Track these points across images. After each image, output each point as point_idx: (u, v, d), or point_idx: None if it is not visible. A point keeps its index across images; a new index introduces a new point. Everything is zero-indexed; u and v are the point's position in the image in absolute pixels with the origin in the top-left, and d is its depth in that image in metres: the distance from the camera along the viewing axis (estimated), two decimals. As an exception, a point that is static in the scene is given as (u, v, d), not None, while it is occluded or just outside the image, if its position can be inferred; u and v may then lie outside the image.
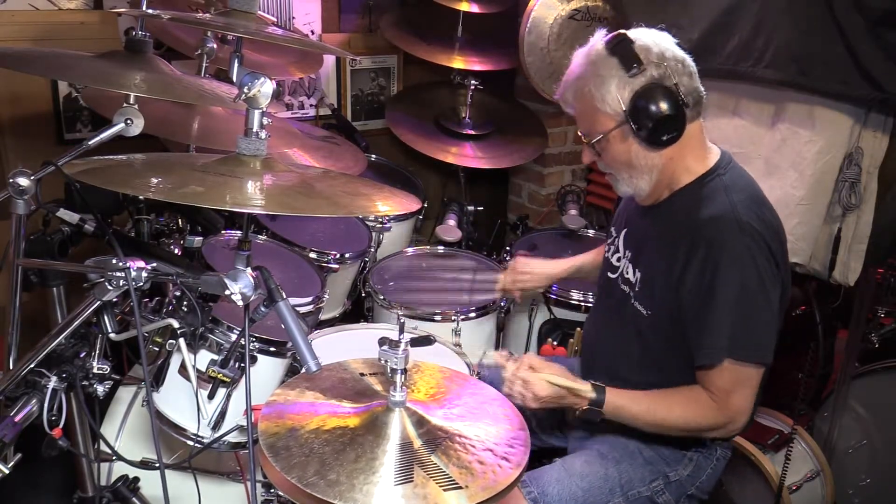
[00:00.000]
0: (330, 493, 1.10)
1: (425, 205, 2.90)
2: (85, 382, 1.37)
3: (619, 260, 1.81)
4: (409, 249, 2.71)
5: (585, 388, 1.63)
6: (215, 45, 2.08)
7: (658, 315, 1.66)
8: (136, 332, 1.32)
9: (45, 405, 1.29)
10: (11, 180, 1.33)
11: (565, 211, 2.96)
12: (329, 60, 3.05)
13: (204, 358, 1.59)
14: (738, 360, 1.55)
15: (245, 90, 1.16)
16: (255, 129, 1.20)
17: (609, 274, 1.84)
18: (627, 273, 1.76)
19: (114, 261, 1.23)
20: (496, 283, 2.21)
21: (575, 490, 1.65)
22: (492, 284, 2.23)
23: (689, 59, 1.61)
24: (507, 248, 2.75)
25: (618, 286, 1.79)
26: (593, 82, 1.59)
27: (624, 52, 1.57)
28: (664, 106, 1.54)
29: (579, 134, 1.71)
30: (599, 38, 1.63)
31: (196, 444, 1.64)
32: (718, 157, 1.67)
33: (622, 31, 1.61)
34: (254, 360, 1.69)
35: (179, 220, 2.15)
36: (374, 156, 3.08)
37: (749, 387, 1.58)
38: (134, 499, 1.74)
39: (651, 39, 1.59)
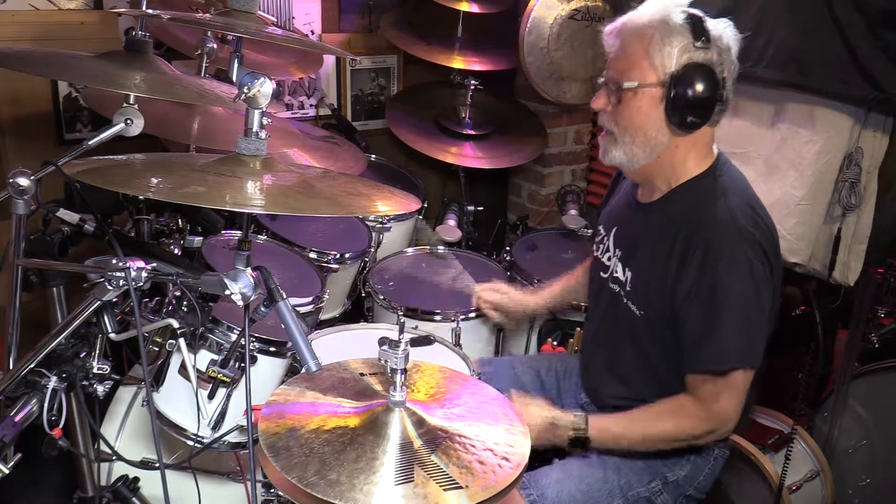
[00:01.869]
0: (330, 493, 1.09)
1: (425, 205, 2.90)
2: (85, 382, 1.37)
3: (609, 259, 1.80)
4: (409, 249, 2.71)
5: (568, 416, 1.65)
6: (215, 45, 2.08)
7: (651, 316, 1.66)
8: (136, 332, 1.32)
9: (45, 405, 1.29)
10: (11, 180, 1.33)
11: (565, 211, 2.96)
12: (329, 60, 3.05)
13: (204, 358, 1.59)
14: (733, 366, 1.55)
15: (245, 90, 1.16)
16: (255, 129, 1.19)
17: (601, 274, 1.83)
18: (617, 272, 1.75)
19: (114, 261, 1.23)
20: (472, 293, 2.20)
21: (574, 492, 1.65)
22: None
23: (738, 66, 1.60)
24: (507, 248, 2.75)
25: (608, 286, 1.79)
26: (660, 31, 1.54)
27: (698, 25, 1.55)
28: (707, 89, 1.53)
29: (601, 80, 1.65)
30: (679, 3, 1.59)
31: (196, 444, 1.64)
32: (715, 158, 1.66)
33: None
34: (254, 360, 1.68)
35: (179, 220, 2.15)
36: (374, 156, 3.08)
37: (738, 391, 1.58)
38: (134, 499, 1.74)
39: (724, 30, 1.58)
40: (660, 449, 1.66)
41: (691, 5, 1.60)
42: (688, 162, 1.64)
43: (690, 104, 1.54)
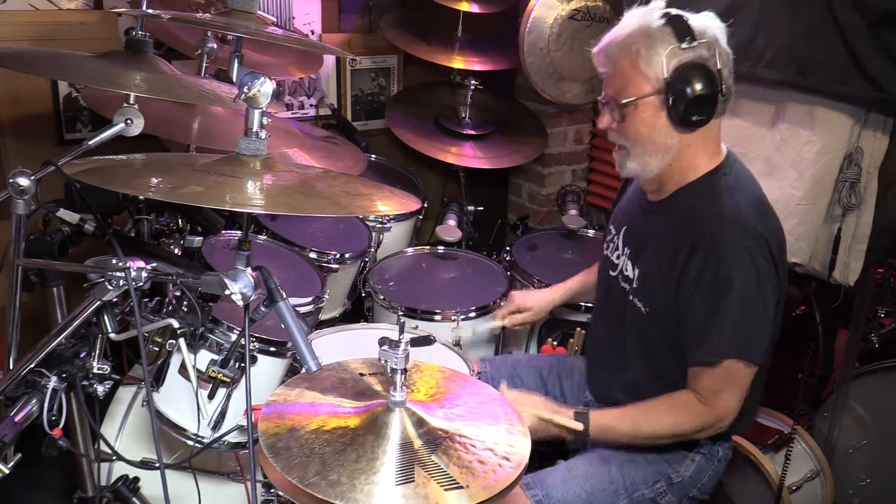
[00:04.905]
0: (331, 493, 1.09)
1: (425, 205, 2.90)
2: (85, 382, 1.37)
3: (618, 257, 1.82)
4: (409, 249, 2.71)
5: (569, 416, 1.65)
6: (215, 45, 2.08)
7: (656, 312, 1.67)
8: (136, 332, 1.32)
9: (45, 405, 1.29)
10: (11, 180, 1.33)
11: (565, 211, 2.96)
12: (329, 60, 3.05)
13: (204, 358, 1.59)
14: (732, 358, 1.56)
15: (245, 90, 1.16)
16: (255, 129, 1.19)
17: (610, 272, 1.84)
18: (626, 270, 1.77)
19: (114, 261, 1.23)
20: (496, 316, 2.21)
21: (579, 492, 1.65)
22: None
23: (731, 54, 1.60)
24: (507, 248, 2.75)
25: (618, 284, 1.80)
26: (644, 42, 1.55)
27: (680, 25, 1.54)
28: (704, 86, 1.53)
29: (601, 99, 1.66)
30: (656, 7, 1.59)
31: (196, 444, 1.64)
32: (724, 156, 1.67)
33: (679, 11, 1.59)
34: (254, 360, 1.68)
35: (179, 220, 2.15)
36: (374, 156, 3.08)
37: (739, 387, 1.59)
38: (134, 499, 1.74)
39: (707, 23, 1.57)
40: (661, 443, 1.67)
41: (692, 9, 1.60)
42: (698, 160, 1.64)
43: (691, 104, 1.54)
